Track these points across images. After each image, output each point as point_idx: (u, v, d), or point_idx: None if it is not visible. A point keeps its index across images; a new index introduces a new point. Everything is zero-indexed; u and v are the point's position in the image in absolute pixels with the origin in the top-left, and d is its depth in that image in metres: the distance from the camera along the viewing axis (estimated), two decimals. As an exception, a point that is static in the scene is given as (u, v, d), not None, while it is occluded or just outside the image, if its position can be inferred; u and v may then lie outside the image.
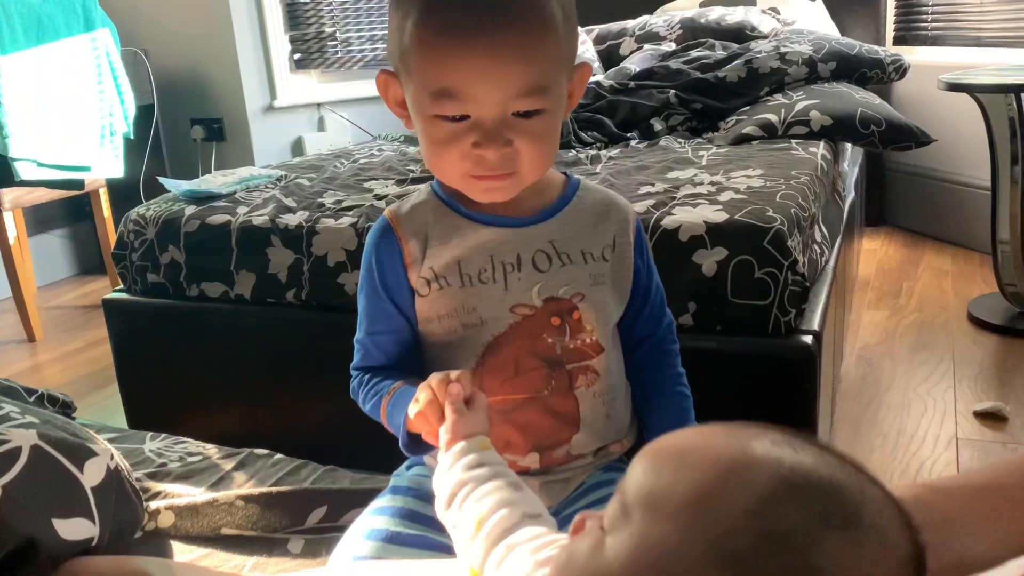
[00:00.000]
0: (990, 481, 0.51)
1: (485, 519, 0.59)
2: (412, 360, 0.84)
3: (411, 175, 1.86)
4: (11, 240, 2.75)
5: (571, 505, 0.82)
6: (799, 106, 2.10)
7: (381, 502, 0.85)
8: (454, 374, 0.70)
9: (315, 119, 3.71)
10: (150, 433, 1.29)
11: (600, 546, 0.46)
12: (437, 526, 0.79)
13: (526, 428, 0.80)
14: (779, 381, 1.35)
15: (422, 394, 0.71)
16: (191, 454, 1.19)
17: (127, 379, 1.78)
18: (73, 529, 0.75)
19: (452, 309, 0.80)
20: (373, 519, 0.82)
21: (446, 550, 0.75)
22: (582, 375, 0.81)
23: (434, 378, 0.71)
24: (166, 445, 1.24)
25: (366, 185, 1.80)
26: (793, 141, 1.97)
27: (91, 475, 0.78)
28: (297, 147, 3.63)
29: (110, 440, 1.22)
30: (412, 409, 0.72)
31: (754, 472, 0.44)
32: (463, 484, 0.62)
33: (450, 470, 0.64)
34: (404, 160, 2.08)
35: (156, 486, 1.10)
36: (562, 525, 0.78)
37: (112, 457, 0.81)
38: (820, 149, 1.90)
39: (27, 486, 0.73)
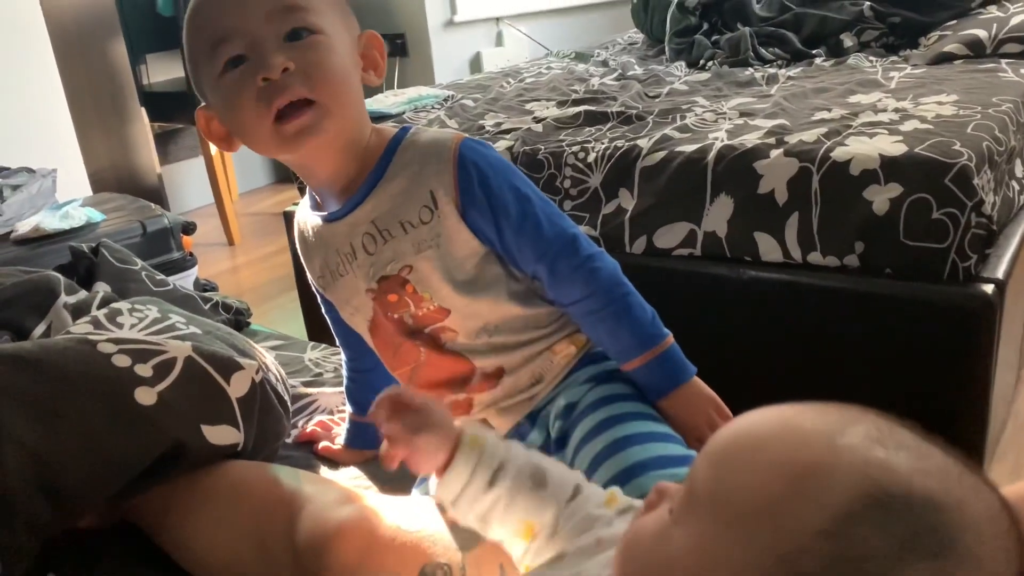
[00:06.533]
0: None
1: (533, 524, 0.58)
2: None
3: (573, 96, 1.83)
4: (213, 151, 2.98)
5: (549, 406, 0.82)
6: (1016, 20, 1.85)
7: None
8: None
9: (493, 34, 3.70)
10: (311, 343, 1.38)
11: (666, 534, 0.44)
12: None
13: (430, 395, 0.82)
14: (952, 333, 1.24)
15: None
16: (344, 366, 1.26)
17: (305, 286, 1.90)
18: (219, 435, 0.82)
19: (341, 301, 0.86)
20: None
21: None
22: (443, 334, 0.81)
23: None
24: (324, 355, 1.32)
25: (527, 107, 1.79)
26: (1003, 61, 1.75)
27: (236, 387, 0.85)
28: (475, 63, 3.65)
29: (274, 348, 1.32)
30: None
31: (832, 482, 0.39)
32: (492, 504, 0.59)
33: (464, 495, 0.59)
34: (570, 80, 2.04)
35: (310, 391, 1.18)
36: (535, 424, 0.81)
37: (258, 371, 0.88)
38: (1036, 70, 1.68)
39: (180, 394, 0.80)
